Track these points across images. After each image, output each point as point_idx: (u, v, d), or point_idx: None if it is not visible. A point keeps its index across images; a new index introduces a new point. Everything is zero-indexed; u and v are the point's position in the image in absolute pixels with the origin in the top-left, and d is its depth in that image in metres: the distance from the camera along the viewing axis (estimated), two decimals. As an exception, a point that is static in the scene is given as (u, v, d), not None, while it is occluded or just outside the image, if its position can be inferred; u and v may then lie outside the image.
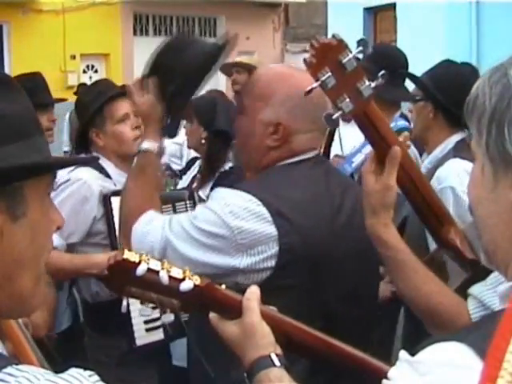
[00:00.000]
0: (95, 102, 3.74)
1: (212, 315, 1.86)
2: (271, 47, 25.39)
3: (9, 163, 1.26)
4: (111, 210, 3.58)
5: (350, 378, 2.02)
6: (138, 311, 3.47)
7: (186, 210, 3.76)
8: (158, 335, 3.61)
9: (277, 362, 1.74)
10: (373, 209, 2.17)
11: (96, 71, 22.06)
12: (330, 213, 2.42)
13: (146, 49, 21.54)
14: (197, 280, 1.77)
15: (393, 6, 16.55)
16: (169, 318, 2.61)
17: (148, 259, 1.73)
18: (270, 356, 1.75)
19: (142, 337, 3.59)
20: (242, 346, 1.80)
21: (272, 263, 2.28)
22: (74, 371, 1.20)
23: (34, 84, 4.89)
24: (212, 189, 4.12)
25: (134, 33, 22.83)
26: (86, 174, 3.61)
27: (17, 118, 1.33)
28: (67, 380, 1.17)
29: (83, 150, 3.81)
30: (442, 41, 14.80)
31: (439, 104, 3.78)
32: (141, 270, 1.71)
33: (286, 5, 26.33)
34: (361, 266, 2.44)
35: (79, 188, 3.54)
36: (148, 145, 2.63)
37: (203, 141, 4.43)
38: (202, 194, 4.26)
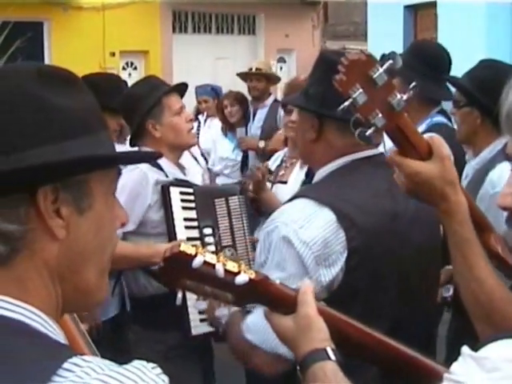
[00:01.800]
0: (152, 94, 3.82)
1: (266, 310, 1.87)
2: (310, 45, 25.30)
3: (72, 155, 1.29)
4: (170, 199, 3.63)
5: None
6: (194, 300, 3.54)
7: (239, 205, 3.83)
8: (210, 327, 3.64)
9: (332, 356, 1.73)
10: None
11: (135, 68, 22.16)
12: (392, 214, 2.42)
13: (184, 46, 21.80)
14: (252, 274, 1.78)
15: (433, 4, 16.40)
16: (222, 311, 2.61)
17: (204, 252, 1.74)
18: (325, 349, 1.74)
19: (197, 326, 3.65)
20: (296, 339, 1.80)
21: (341, 267, 2.29)
22: (137, 363, 1.22)
23: (109, 85, 4.94)
24: (308, 175, 4.22)
25: (173, 30, 22.89)
26: (142, 165, 3.69)
27: (81, 112, 1.35)
28: (131, 371, 1.20)
29: (138, 142, 3.88)
30: (483, 39, 14.65)
31: (486, 109, 3.71)
32: (197, 262, 1.72)
33: (325, 2, 26.25)
34: (422, 267, 2.44)
35: (136, 176, 3.60)
36: None
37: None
38: (297, 179, 4.43)
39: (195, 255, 1.72)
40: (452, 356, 1.36)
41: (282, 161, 4.84)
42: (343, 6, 25.93)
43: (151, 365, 1.24)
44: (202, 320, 3.62)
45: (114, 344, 4.15)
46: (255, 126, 8.56)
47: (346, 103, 1.96)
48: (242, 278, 1.76)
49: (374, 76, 1.93)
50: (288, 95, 4.58)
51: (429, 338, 2.56)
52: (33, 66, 1.36)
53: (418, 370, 1.88)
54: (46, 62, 19.88)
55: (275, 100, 8.66)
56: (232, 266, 1.76)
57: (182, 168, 4.01)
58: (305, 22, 25.39)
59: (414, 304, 2.46)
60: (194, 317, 3.64)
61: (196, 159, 6.02)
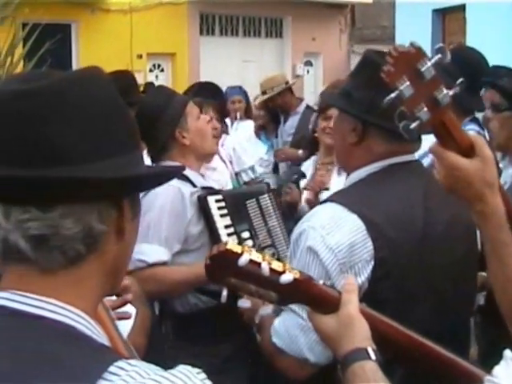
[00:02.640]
0: (173, 103, 3.77)
1: (308, 310, 1.88)
2: (337, 48, 25.30)
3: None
4: (210, 209, 3.60)
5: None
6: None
7: (271, 203, 3.83)
8: None
9: (373, 356, 1.73)
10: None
11: (162, 70, 22.24)
12: (423, 225, 2.39)
13: (212, 49, 21.81)
14: (296, 273, 1.78)
15: (462, 7, 16.38)
16: (266, 310, 2.62)
17: (250, 250, 1.75)
18: (366, 349, 1.74)
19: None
20: (337, 338, 1.80)
21: (367, 276, 2.30)
22: (182, 368, 1.24)
23: (125, 82, 4.95)
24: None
25: (201, 32, 22.95)
26: (173, 181, 3.60)
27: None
28: (176, 376, 1.20)
29: (162, 156, 3.80)
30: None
31: None
32: (243, 260, 1.73)
33: (352, 6, 26.22)
34: (457, 278, 2.41)
35: (172, 194, 3.55)
36: None
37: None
38: (339, 183, 4.32)
39: (241, 253, 1.74)
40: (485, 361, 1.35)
41: (315, 168, 4.82)
42: (371, 9, 25.87)
43: (196, 370, 1.24)
44: None
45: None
46: (286, 132, 8.54)
47: (393, 95, 1.95)
48: (286, 277, 1.76)
49: (422, 69, 1.92)
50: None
51: (463, 347, 2.53)
52: (104, 73, 1.38)
53: (456, 373, 1.87)
54: (74, 64, 20.01)
55: (307, 107, 8.61)
56: (277, 265, 1.77)
57: (203, 176, 4.00)
58: (332, 25, 25.38)
59: (447, 315, 2.43)
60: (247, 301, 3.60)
61: (224, 162, 6.02)
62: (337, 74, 22.18)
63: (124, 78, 5.31)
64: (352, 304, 1.80)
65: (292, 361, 2.38)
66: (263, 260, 1.75)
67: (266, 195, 3.91)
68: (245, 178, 7.11)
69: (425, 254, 2.37)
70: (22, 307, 1.26)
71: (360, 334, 1.77)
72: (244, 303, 2.82)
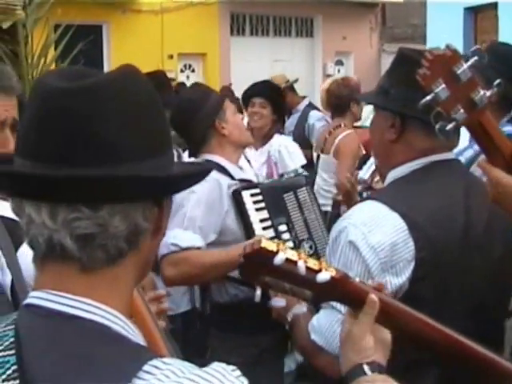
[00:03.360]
0: (212, 96, 3.84)
1: (346, 310, 1.85)
2: (368, 47, 25.23)
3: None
4: (244, 204, 3.62)
5: None
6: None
7: (309, 196, 3.83)
8: None
9: (368, 372, 1.72)
10: None
11: (193, 71, 22.28)
12: (464, 225, 2.37)
13: (242, 49, 21.82)
14: (333, 271, 1.75)
15: (494, 5, 16.24)
16: (300, 309, 2.61)
17: (285, 248, 1.71)
18: (362, 366, 1.74)
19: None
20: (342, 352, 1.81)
21: (408, 276, 2.28)
22: (217, 365, 1.23)
23: (158, 82, 4.98)
24: None
25: (231, 32, 22.97)
26: (213, 173, 3.62)
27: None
28: (211, 374, 1.20)
29: (201, 148, 3.85)
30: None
31: None
32: (279, 259, 1.69)
33: (383, 4, 26.12)
34: (494, 278, 2.39)
35: (210, 186, 3.57)
36: None
37: None
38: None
39: (277, 252, 1.70)
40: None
41: (376, 167, 4.81)
42: (401, 7, 25.76)
43: (231, 367, 1.23)
44: None
45: (184, 339, 4.15)
46: (287, 129, 8.57)
47: (428, 97, 1.95)
48: (323, 276, 1.73)
49: (458, 72, 1.92)
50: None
51: (496, 348, 2.51)
52: (141, 72, 1.39)
53: (494, 370, 1.85)
54: (105, 64, 20.10)
55: (309, 104, 8.63)
56: (313, 264, 1.73)
57: (241, 169, 4.01)
58: (363, 24, 25.31)
59: (484, 316, 2.41)
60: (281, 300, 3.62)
61: (249, 162, 6.02)
62: (367, 72, 22.11)
63: (157, 77, 5.35)
64: (361, 323, 1.78)
65: (331, 359, 2.35)
66: (299, 258, 1.72)
67: (303, 188, 3.91)
68: None
69: (464, 254, 2.36)
70: (57, 307, 1.27)
71: (356, 355, 1.77)
72: (277, 302, 2.79)
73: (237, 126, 3.84)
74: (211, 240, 3.64)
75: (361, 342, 1.77)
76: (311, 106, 8.40)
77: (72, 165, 1.23)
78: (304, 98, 8.98)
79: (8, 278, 2.23)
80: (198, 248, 3.53)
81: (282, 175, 4.35)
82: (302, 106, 8.67)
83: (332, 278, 1.74)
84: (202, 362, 1.26)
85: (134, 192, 1.27)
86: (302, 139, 7.73)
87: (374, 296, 1.78)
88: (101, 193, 1.25)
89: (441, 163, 2.47)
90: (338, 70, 25.10)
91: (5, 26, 7.04)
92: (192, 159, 4.03)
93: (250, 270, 1.76)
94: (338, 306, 2.26)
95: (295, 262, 1.70)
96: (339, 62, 25.26)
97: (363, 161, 5.11)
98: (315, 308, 2.48)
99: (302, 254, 1.73)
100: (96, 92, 1.26)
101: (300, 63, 24.05)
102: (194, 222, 3.55)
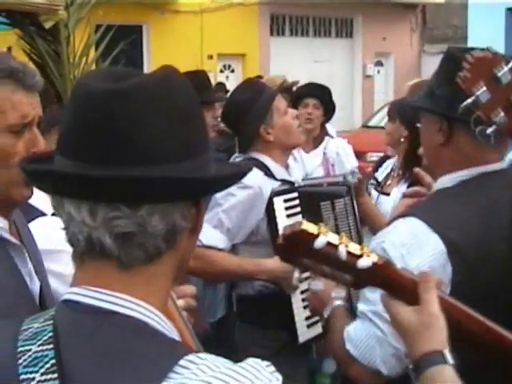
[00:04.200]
0: (260, 99, 3.81)
1: (384, 295, 1.81)
2: (408, 48, 25.14)
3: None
4: (274, 211, 3.63)
5: None
6: (300, 308, 3.62)
7: (345, 207, 3.81)
8: (318, 329, 3.64)
9: (450, 360, 1.68)
10: None
11: (233, 71, 22.34)
12: (508, 248, 2.32)
13: (282, 49, 21.78)
14: (375, 257, 1.71)
15: (537, 6, 16.11)
16: (339, 293, 2.58)
17: (326, 232, 1.68)
18: (443, 352, 1.69)
19: (304, 333, 3.67)
20: (415, 335, 1.74)
21: None
22: (251, 361, 1.24)
23: (199, 81, 5.01)
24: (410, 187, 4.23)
25: (271, 33, 22.99)
26: (257, 177, 3.65)
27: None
28: (246, 369, 1.21)
29: (249, 149, 3.87)
30: None
31: None
32: (319, 242, 1.66)
33: (423, 5, 26.01)
34: None
35: (251, 194, 3.59)
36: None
37: (402, 139, 4.45)
38: (398, 192, 4.32)
39: (317, 235, 1.66)
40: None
41: (391, 169, 4.78)
42: (442, 8, 25.64)
43: (265, 363, 1.24)
44: (308, 326, 3.65)
45: (220, 344, 4.18)
46: None
47: (469, 100, 1.95)
48: (364, 262, 1.69)
49: (499, 74, 1.91)
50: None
51: None
52: (180, 73, 1.40)
53: None
54: (145, 64, 20.21)
55: None
56: (354, 248, 1.69)
57: (287, 168, 4.00)
58: (403, 25, 25.22)
59: None
60: (300, 324, 3.66)
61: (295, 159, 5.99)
62: (408, 74, 22.01)
63: (198, 77, 5.37)
64: (434, 302, 1.73)
65: (363, 370, 2.33)
66: (340, 242, 1.68)
67: (341, 199, 3.87)
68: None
69: (504, 276, 2.31)
70: (96, 303, 1.29)
71: (439, 335, 1.71)
72: (316, 285, 2.75)
73: (284, 129, 3.82)
74: (237, 242, 3.71)
75: (434, 324, 1.72)
76: None
77: (112, 165, 1.24)
78: None
79: (36, 286, 2.24)
80: (220, 249, 3.57)
81: (344, 177, 4.32)
82: None
83: (374, 263, 1.70)
84: (234, 359, 1.27)
85: (171, 193, 1.28)
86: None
87: (425, 270, 1.78)
88: (139, 193, 1.26)
89: (490, 175, 2.37)
90: (378, 71, 25.04)
91: (47, 26, 7.09)
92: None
93: (288, 251, 1.73)
94: (377, 320, 2.25)
95: (336, 246, 1.67)
96: (379, 63, 25.18)
97: (381, 162, 5.06)
98: (349, 306, 2.46)
99: (343, 237, 1.70)
100: (137, 94, 1.27)
101: (339, 64, 24.03)
102: (224, 223, 3.59)
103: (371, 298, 2.26)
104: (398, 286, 1.77)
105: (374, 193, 4.64)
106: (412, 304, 1.75)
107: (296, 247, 1.69)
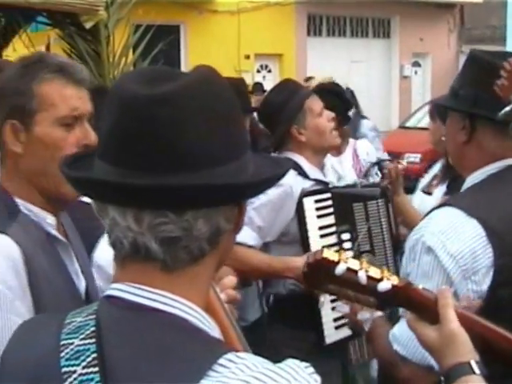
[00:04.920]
0: (294, 99, 3.82)
1: (409, 316, 1.85)
2: (446, 48, 24.97)
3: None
4: (303, 212, 3.65)
5: None
6: (328, 310, 3.63)
7: (378, 209, 3.81)
8: (346, 332, 3.65)
9: (476, 370, 1.70)
10: None
11: (269, 71, 22.33)
12: None
13: (319, 49, 21.68)
14: (394, 280, 1.76)
15: None
16: (364, 315, 2.60)
17: (347, 258, 1.74)
18: (469, 363, 1.71)
19: (331, 335, 3.68)
20: (440, 352, 1.79)
21: (489, 283, 2.26)
22: (290, 361, 1.23)
23: (237, 89, 5.06)
24: (449, 187, 4.23)
25: (308, 33, 22.94)
26: (289, 176, 3.64)
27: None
28: (284, 370, 1.21)
29: (281, 148, 3.90)
30: None
31: None
32: (340, 269, 1.72)
33: (461, 5, 25.82)
34: None
35: (281, 193, 3.61)
36: None
37: (443, 138, 4.47)
38: (439, 191, 4.37)
39: (338, 262, 1.73)
40: None
41: (439, 170, 4.77)
42: (480, 8, 25.43)
43: (304, 364, 1.24)
44: (336, 327, 3.66)
45: (255, 346, 4.19)
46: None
47: (508, 108, 1.95)
48: (384, 285, 1.75)
49: None
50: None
51: None
52: (220, 74, 1.40)
53: None
54: (183, 64, 20.27)
55: (357, 113, 8.54)
56: (374, 273, 1.76)
57: (322, 168, 4.01)
58: (440, 25, 25.06)
59: None
60: (328, 325, 3.67)
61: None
62: (445, 74, 21.87)
63: (236, 85, 5.40)
64: (451, 319, 1.77)
65: (415, 369, 2.34)
66: (360, 268, 1.74)
67: (374, 201, 3.87)
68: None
69: None
70: (137, 299, 1.30)
71: (462, 348, 1.74)
72: (342, 308, 2.80)
73: (317, 131, 3.82)
74: (268, 240, 3.72)
75: (456, 339, 1.76)
76: (359, 115, 8.28)
77: (155, 172, 1.25)
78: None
79: (82, 285, 2.26)
80: (250, 246, 3.59)
81: (368, 171, 4.31)
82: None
83: (394, 286, 1.76)
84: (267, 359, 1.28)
85: (216, 198, 1.29)
86: None
87: (443, 288, 1.81)
88: (184, 200, 1.26)
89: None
90: (415, 72, 24.90)
91: (88, 26, 7.14)
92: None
93: (313, 278, 1.80)
94: None
95: (356, 272, 1.73)
96: (416, 64, 25.04)
97: (430, 164, 5.06)
98: (385, 313, 2.46)
99: (363, 263, 1.76)
100: (177, 99, 1.26)
101: (376, 64, 23.93)
102: (254, 221, 3.61)
103: None
104: (420, 306, 1.81)
105: (420, 193, 4.65)
106: (435, 322, 1.80)
107: (319, 274, 1.76)
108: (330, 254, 1.74)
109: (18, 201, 2.11)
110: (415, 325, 1.84)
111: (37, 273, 1.98)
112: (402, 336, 2.35)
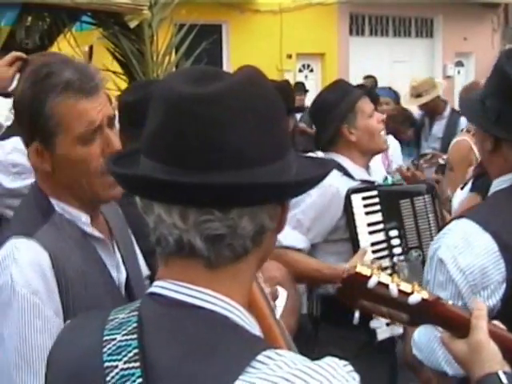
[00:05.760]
0: (346, 99, 3.85)
1: (443, 337, 1.91)
2: (489, 48, 24.71)
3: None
4: (352, 208, 3.67)
5: None
6: None
7: (425, 205, 3.83)
8: (398, 330, 3.65)
9: (504, 380, 1.72)
10: None
11: (312, 70, 22.29)
12: None
13: (361, 49, 21.64)
14: (425, 294, 1.82)
15: None
16: (397, 330, 2.64)
17: (379, 273, 1.81)
18: (497, 374, 1.74)
19: (383, 331, 3.69)
20: (469, 363, 1.82)
21: (500, 297, 2.26)
22: (329, 359, 1.25)
23: (282, 91, 5.09)
24: (474, 184, 4.24)
25: (350, 32, 22.86)
26: (333, 177, 3.66)
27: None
28: (323, 367, 1.22)
29: (330, 148, 3.91)
30: None
31: None
32: (372, 282, 1.79)
33: (505, 4, 25.57)
34: None
35: (327, 193, 3.63)
36: None
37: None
38: (466, 188, 4.44)
39: (370, 276, 1.80)
40: None
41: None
42: (525, 8, 25.21)
43: (343, 362, 1.26)
44: (388, 324, 3.63)
45: (302, 345, 4.20)
46: (434, 137, 8.44)
47: None
48: (414, 298, 1.80)
49: None
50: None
51: None
52: (264, 76, 1.41)
53: None
54: (225, 63, 20.32)
55: (453, 110, 8.46)
56: (405, 287, 1.82)
57: (368, 168, 4.02)
58: (484, 24, 24.83)
59: None
60: (379, 321, 3.64)
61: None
62: (488, 74, 21.69)
63: (281, 87, 5.44)
64: (481, 330, 1.81)
65: (432, 373, 2.40)
66: (392, 282, 1.81)
67: (421, 197, 3.91)
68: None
69: None
70: (180, 297, 1.33)
71: (490, 359, 1.78)
72: (376, 324, 2.87)
73: (367, 132, 3.85)
74: (316, 241, 3.77)
75: (484, 349, 1.79)
76: (456, 112, 8.23)
77: (201, 170, 1.26)
78: (446, 103, 8.80)
79: (123, 275, 2.29)
80: (299, 250, 3.60)
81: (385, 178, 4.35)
82: (446, 112, 8.50)
83: (423, 299, 1.81)
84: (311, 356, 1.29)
85: (261, 197, 1.31)
86: None
87: (477, 300, 1.83)
88: (230, 198, 1.28)
89: None
90: (458, 72, 24.71)
91: (132, 25, 7.21)
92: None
93: (347, 293, 1.87)
94: None
95: (387, 285, 1.80)
96: (459, 63, 24.85)
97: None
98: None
99: (395, 277, 1.83)
100: (225, 98, 1.28)
101: (419, 64, 23.76)
102: (303, 223, 3.64)
103: None
104: (449, 320, 1.86)
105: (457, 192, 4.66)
106: (464, 336, 1.83)
107: (353, 289, 1.84)
108: (363, 269, 1.82)
109: (53, 201, 2.14)
110: (446, 338, 1.89)
111: (67, 273, 2.01)
112: (420, 340, 2.40)
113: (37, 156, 2.11)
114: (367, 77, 13.24)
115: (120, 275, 2.27)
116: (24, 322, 1.91)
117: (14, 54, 3.43)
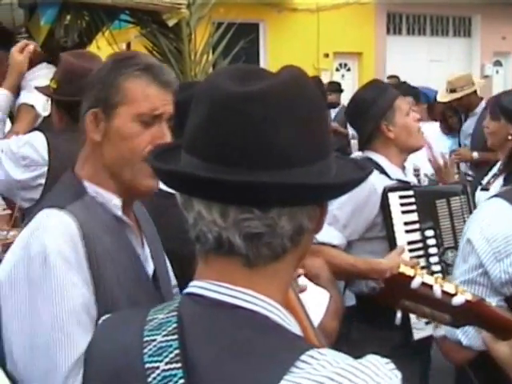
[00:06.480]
0: (384, 97, 3.85)
1: (483, 333, 1.90)
2: (528, 48, 24.52)
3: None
4: (389, 206, 3.67)
5: None
6: None
7: (461, 205, 3.84)
8: (440, 331, 3.64)
9: None
10: None
11: (349, 69, 22.24)
12: None
13: (398, 48, 21.59)
14: (468, 296, 1.81)
15: None
16: (440, 332, 2.64)
17: (422, 274, 1.81)
18: None
19: (419, 330, 3.69)
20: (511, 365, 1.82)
21: None
22: (371, 357, 1.25)
23: None
24: (506, 179, 4.25)
25: (387, 32, 22.78)
26: (371, 175, 3.65)
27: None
28: (365, 365, 1.22)
29: (368, 146, 3.91)
30: None
31: None
32: (416, 283, 1.79)
33: (545, 4, 25.33)
34: None
35: (364, 189, 3.63)
36: None
37: (510, 137, 4.45)
38: (494, 188, 4.41)
39: (414, 276, 1.80)
40: None
41: (498, 168, 4.77)
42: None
43: (385, 360, 1.26)
44: (428, 322, 3.61)
45: (335, 344, 4.20)
46: (464, 133, 8.42)
47: None
48: (458, 299, 1.79)
49: None
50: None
51: None
52: (307, 76, 1.40)
53: None
54: (262, 62, 20.33)
55: (485, 107, 8.41)
56: (449, 288, 1.81)
57: (403, 169, 4.02)
58: (523, 24, 24.62)
59: None
60: (416, 320, 3.64)
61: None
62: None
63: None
64: None
65: (449, 344, 2.42)
66: (435, 282, 1.80)
67: (457, 197, 3.90)
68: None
69: None
70: (220, 297, 1.32)
71: None
72: (418, 325, 2.87)
73: (405, 129, 3.85)
74: (353, 239, 3.75)
75: None
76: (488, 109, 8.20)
77: (244, 168, 1.26)
78: (481, 99, 8.75)
79: (151, 267, 2.31)
80: (335, 246, 3.61)
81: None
82: (479, 108, 8.46)
83: (467, 301, 1.80)
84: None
85: (302, 198, 1.31)
86: (485, 143, 7.59)
87: None
88: (271, 197, 1.28)
89: None
90: (497, 71, 24.51)
91: (170, 24, 7.21)
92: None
93: (390, 294, 1.87)
94: None
95: (431, 286, 1.80)
96: (497, 63, 24.64)
97: (491, 165, 5.03)
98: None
99: (438, 278, 1.83)
100: (270, 97, 1.28)
101: (457, 63, 23.60)
102: (339, 220, 3.64)
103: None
104: (493, 322, 1.85)
105: (480, 193, 4.64)
106: (506, 338, 1.83)
107: (396, 289, 1.84)
108: (406, 269, 1.82)
109: (87, 183, 2.17)
110: (488, 339, 1.90)
111: (96, 248, 2.03)
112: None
113: (92, 122, 2.16)
114: (390, 76, 13.20)
115: (148, 266, 2.30)
116: (59, 289, 1.92)
117: (24, 41, 4.19)
